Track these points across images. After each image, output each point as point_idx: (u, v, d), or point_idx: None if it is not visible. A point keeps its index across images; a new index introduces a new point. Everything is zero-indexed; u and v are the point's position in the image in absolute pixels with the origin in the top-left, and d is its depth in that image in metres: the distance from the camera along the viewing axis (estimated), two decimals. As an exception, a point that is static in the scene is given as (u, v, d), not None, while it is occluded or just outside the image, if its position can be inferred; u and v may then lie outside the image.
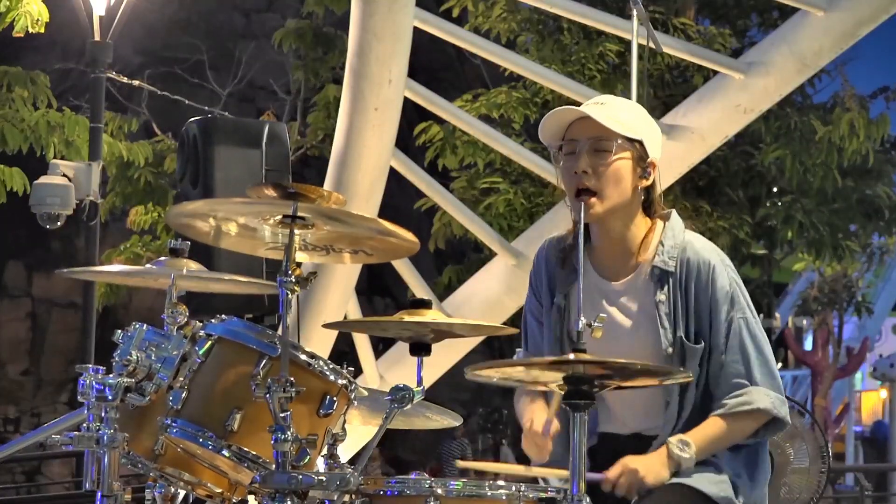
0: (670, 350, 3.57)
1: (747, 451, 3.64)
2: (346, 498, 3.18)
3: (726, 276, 3.61)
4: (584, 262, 3.51)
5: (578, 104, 3.76)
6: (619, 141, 3.58)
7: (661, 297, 3.59)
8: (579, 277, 3.33)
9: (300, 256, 3.41)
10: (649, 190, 3.67)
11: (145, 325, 3.49)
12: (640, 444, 3.62)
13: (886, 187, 15.43)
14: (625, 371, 3.18)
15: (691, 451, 3.51)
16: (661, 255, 3.62)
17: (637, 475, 3.46)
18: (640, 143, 3.62)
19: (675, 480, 3.53)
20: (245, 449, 3.23)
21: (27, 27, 9.13)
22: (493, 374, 3.26)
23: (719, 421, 3.56)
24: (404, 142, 10.40)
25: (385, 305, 20.26)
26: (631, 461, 3.49)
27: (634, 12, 5.90)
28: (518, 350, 3.85)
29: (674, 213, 3.72)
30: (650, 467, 3.49)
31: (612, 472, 3.48)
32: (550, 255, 3.78)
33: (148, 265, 3.82)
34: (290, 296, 3.23)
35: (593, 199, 3.58)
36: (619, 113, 3.63)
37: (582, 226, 3.45)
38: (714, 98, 9.51)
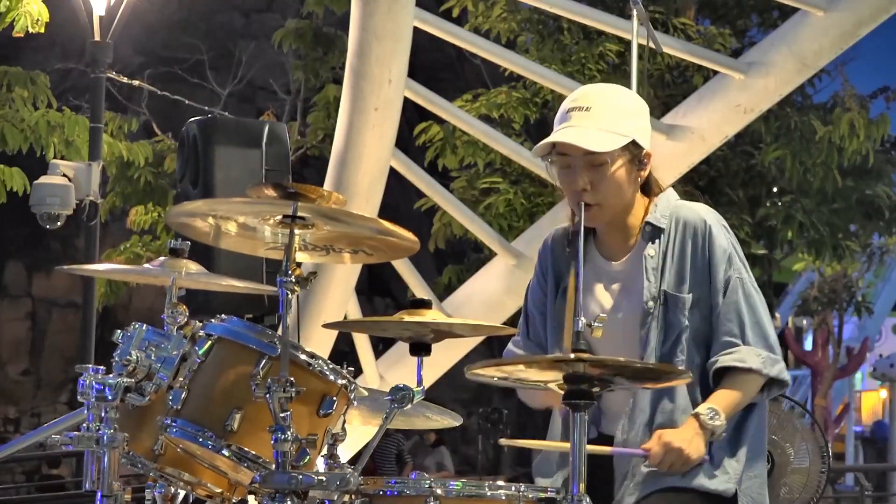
0: (651, 304, 3.57)
1: (733, 431, 3.61)
2: (346, 498, 3.18)
3: (723, 236, 3.62)
4: (587, 247, 3.60)
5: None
6: (614, 153, 3.58)
7: (651, 251, 3.62)
8: (579, 278, 3.33)
9: (300, 256, 3.41)
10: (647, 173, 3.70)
11: (145, 325, 3.49)
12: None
13: (886, 187, 15.43)
14: (625, 371, 3.18)
15: (721, 418, 3.50)
16: (654, 213, 3.64)
17: (682, 454, 3.45)
18: (632, 141, 3.61)
19: (675, 484, 3.52)
20: (245, 449, 3.23)
21: (27, 27, 9.13)
22: (493, 374, 3.25)
23: (726, 385, 3.55)
24: (404, 142, 10.40)
25: (385, 305, 20.26)
26: (668, 435, 3.48)
27: (634, 12, 5.91)
28: (514, 338, 3.83)
29: (670, 188, 3.75)
30: (690, 442, 3.47)
31: (654, 448, 3.47)
32: (556, 245, 3.79)
33: (147, 265, 3.82)
34: (290, 296, 3.23)
35: (595, 210, 3.61)
36: (606, 118, 3.59)
37: (582, 228, 3.45)
38: (714, 98, 9.51)
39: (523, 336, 3.82)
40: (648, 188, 3.70)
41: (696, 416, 3.50)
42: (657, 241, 3.62)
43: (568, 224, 3.78)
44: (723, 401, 3.52)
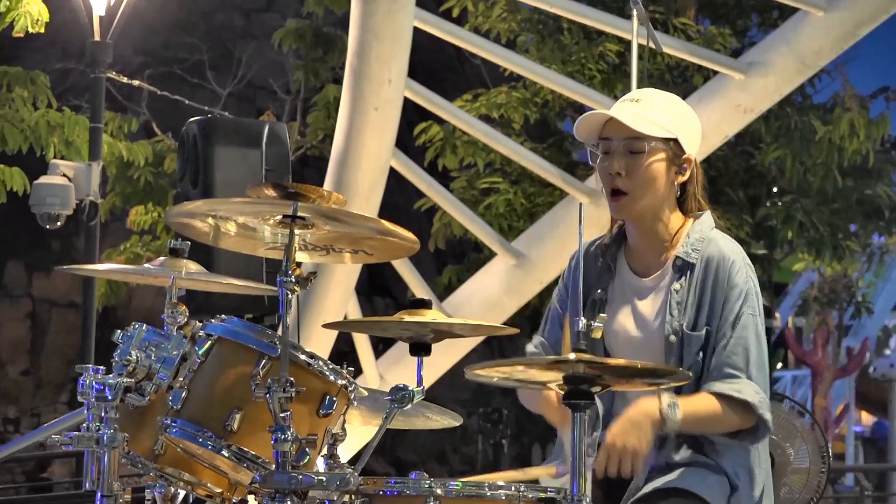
0: (673, 338, 3.57)
1: (745, 451, 3.62)
2: (346, 498, 3.18)
3: (745, 273, 3.60)
4: (618, 259, 3.64)
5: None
6: (653, 143, 3.58)
7: (677, 286, 3.60)
8: (579, 278, 3.33)
9: (300, 256, 3.41)
10: (685, 185, 3.67)
11: (145, 325, 3.49)
12: None
13: (886, 187, 15.43)
14: (625, 372, 3.18)
15: (678, 415, 3.45)
16: (686, 246, 3.62)
17: (626, 452, 3.40)
18: (675, 140, 3.62)
19: (673, 485, 3.51)
20: (245, 449, 3.23)
21: (27, 27, 9.13)
22: (493, 374, 3.25)
23: (710, 398, 3.51)
24: (404, 142, 10.41)
25: (385, 305, 20.23)
26: (609, 436, 3.43)
27: (634, 12, 5.90)
28: (534, 336, 3.82)
29: (707, 212, 3.71)
30: (628, 434, 3.41)
31: (599, 460, 3.42)
32: (588, 257, 3.76)
33: (147, 265, 3.82)
34: (290, 296, 3.23)
35: (625, 199, 3.59)
36: (654, 111, 3.62)
37: (582, 226, 3.44)
38: (714, 98, 9.52)
39: (548, 335, 3.79)
40: (686, 205, 3.68)
41: (659, 398, 3.46)
42: (685, 276, 3.60)
43: (603, 234, 3.76)
44: (692, 405, 3.49)
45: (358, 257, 3.48)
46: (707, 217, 3.69)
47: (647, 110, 3.62)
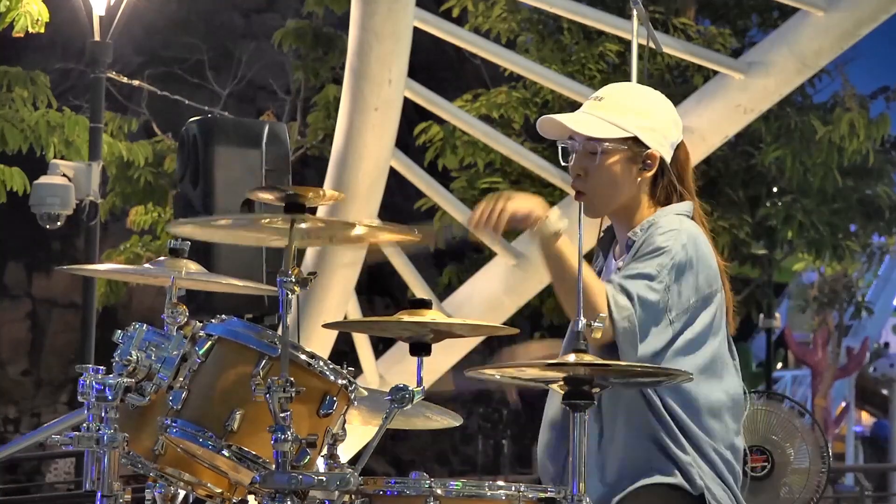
0: None
1: (660, 420, 3.47)
2: (346, 498, 3.18)
3: (668, 235, 3.49)
4: (610, 252, 3.64)
5: (579, 104, 3.76)
6: (605, 144, 3.57)
7: (620, 263, 3.59)
8: (579, 276, 3.33)
9: (301, 242, 3.40)
10: (656, 178, 3.62)
11: (145, 325, 3.49)
12: None
13: (886, 187, 15.45)
14: (625, 373, 3.18)
15: (559, 226, 3.42)
16: (637, 228, 3.57)
17: (503, 205, 3.41)
18: (633, 138, 3.58)
19: (661, 481, 3.48)
20: (245, 449, 3.23)
21: (27, 27, 9.14)
22: (493, 374, 3.25)
23: (597, 281, 3.44)
24: (404, 142, 10.41)
25: (385, 305, 20.24)
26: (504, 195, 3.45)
27: (634, 12, 5.90)
28: None
29: (686, 202, 3.63)
30: (519, 199, 3.43)
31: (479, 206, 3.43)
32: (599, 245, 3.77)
33: (147, 265, 3.82)
34: (290, 296, 3.24)
35: (586, 199, 3.58)
36: (613, 110, 3.59)
37: (582, 224, 3.41)
38: (714, 98, 9.52)
39: None
40: (665, 195, 3.62)
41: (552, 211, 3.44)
42: (627, 254, 3.57)
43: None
44: (573, 251, 3.41)
45: (361, 245, 3.47)
46: (679, 206, 3.62)
47: (605, 110, 3.58)
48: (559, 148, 3.67)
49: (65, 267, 4.00)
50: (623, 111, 3.60)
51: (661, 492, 3.47)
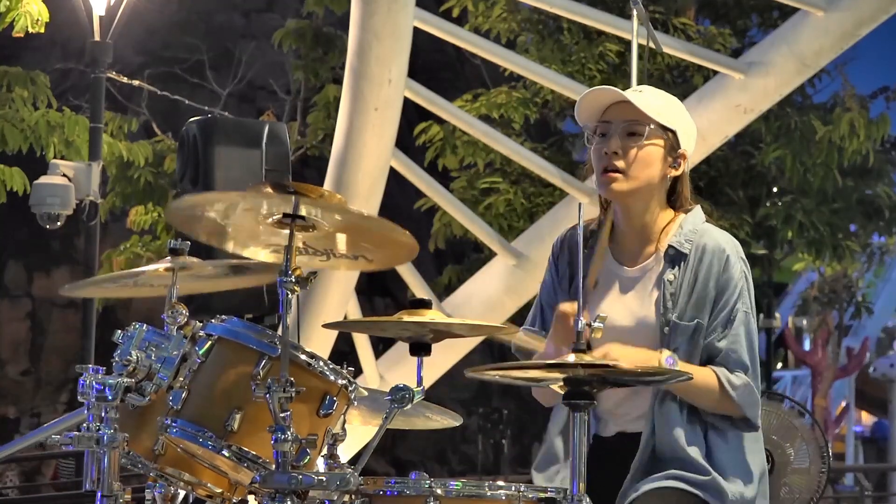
0: (667, 329, 3.56)
1: (732, 449, 3.59)
2: (346, 498, 3.18)
3: (739, 268, 3.61)
4: (603, 248, 3.64)
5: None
6: (652, 126, 3.61)
7: (671, 276, 3.60)
8: (579, 277, 3.32)
9: (300, 260, 3.40)
10: (677, 181, 3.69)
11: (145, 325, 3.49)
12: (626, 442, 3.60)
13: (886, 187, 15.46)
14: (626, 374, 3.18)
15: (676, 366, 3.47)
16: (679, 237, 3.62)
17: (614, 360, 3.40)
18: (673, 132, 3.65)
19: (670, 485, 3.50)
20: (245, 449, 3.23)
21: (27, 27, 9.13)
22: (493, 374, 3.25)
23: (710, 373, 3.53)
24: (404, 142, 10.41)
25: (385, 305, 20.23)
26: (613, 349, 3.45)
27: (634, 12, 5.90)
28: (523, 328, 3.80)
29: (698, 207, 3.73)
30: (629, 355, 3.44)
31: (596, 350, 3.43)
32: (573, 243, 3.76)
33: (145, 267, 3.82)
34: (290, 296, 3.23)
35: (618, 175, 3.59)
36: (656, 101, 3.66)
37: (581, 224, 3.41)
38: (714, 98, 9.52)
39: (537, 325, 3.78)
40: (677, 202, 3.69)
41: (660, 351, 3.50)
42: (678, 267, 3.60)
43: (589, 220, 3.76)
44: (689, 367, 3.47)
45: (357, 263, 3.46)
46: (698, 211, 3.72)
47: (649, 99, 3.65)
48: (585, 133, 3.68)
49: (66, 287, 4.04)
50: (664, 105, 3.68)
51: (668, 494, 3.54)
